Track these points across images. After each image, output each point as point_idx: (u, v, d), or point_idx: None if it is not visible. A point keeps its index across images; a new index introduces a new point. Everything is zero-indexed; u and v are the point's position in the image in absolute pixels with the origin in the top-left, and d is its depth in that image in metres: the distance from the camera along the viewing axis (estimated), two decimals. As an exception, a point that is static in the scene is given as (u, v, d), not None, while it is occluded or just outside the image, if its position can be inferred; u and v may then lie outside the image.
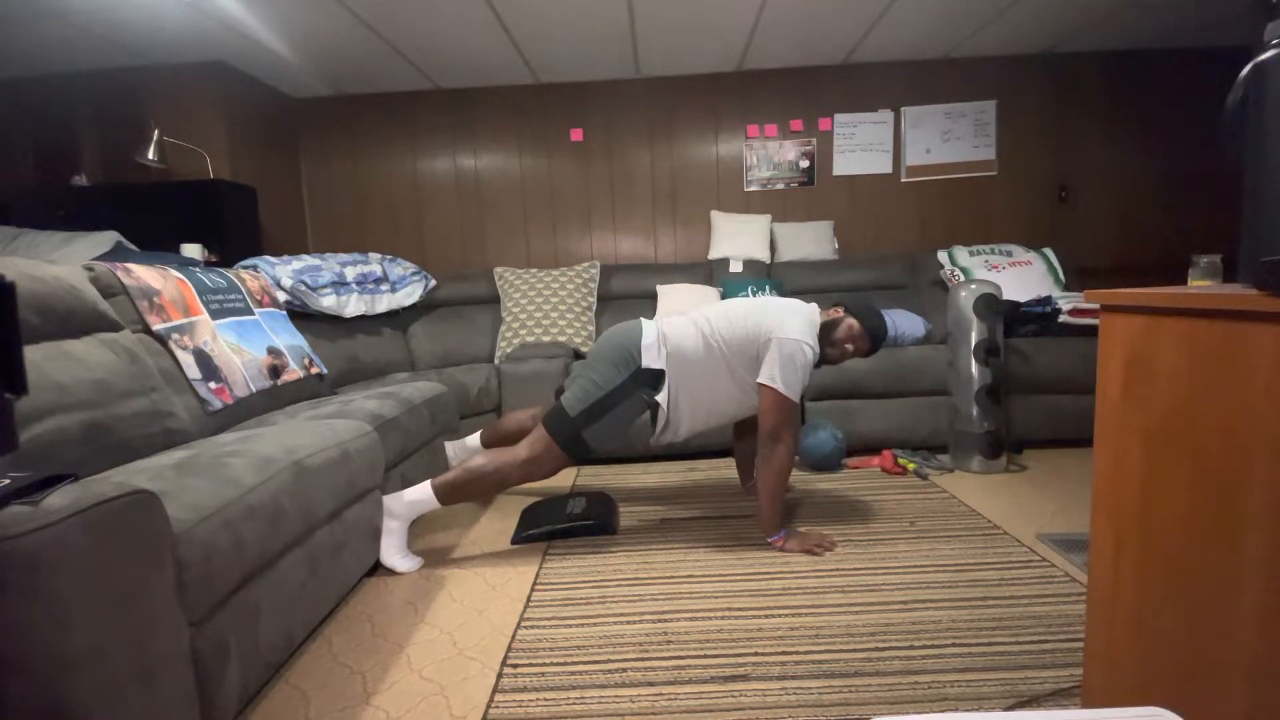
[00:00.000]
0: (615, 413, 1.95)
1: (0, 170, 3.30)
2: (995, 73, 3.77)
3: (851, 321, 1.97)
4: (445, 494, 1.92)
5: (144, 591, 0.94)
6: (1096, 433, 0.97)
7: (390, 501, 1.88)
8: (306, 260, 2.77)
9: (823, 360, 1.99)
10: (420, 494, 1.91)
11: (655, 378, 1.95)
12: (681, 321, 2.02)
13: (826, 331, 1.97)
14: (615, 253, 3.96)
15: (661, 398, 1.96)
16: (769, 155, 3.88)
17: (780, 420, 1.87)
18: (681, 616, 1.56)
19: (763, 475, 1.89)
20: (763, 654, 1.38)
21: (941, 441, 2.78)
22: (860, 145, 3.86)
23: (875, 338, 1.99)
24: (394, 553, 1.87)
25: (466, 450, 2.49)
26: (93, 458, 1.33)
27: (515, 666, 1.38)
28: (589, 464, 2.90)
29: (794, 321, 1.90)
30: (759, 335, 1.91)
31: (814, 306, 2.01)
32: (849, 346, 1.98)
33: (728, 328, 1.94)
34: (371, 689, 1.33)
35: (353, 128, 3.88)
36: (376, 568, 1.91)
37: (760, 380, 1.89)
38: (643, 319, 2.07)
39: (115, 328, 1.60)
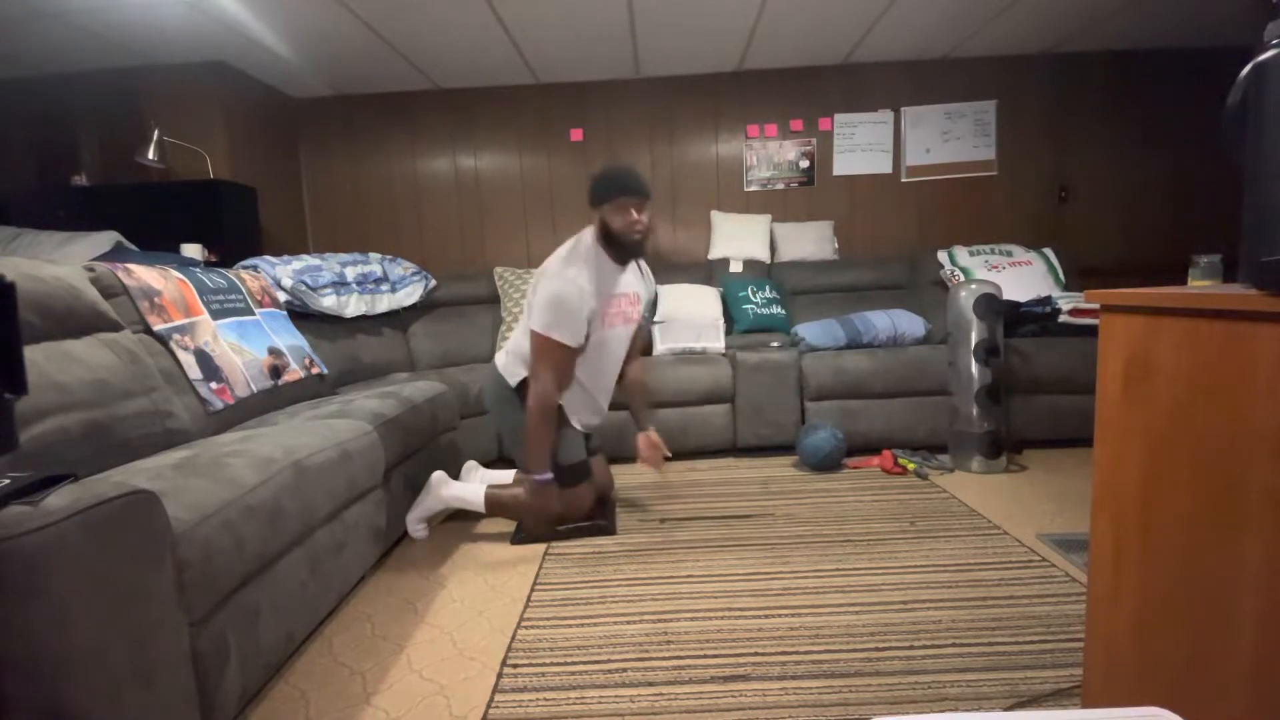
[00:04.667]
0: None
1: (0, 170, 3.30)
2: (995, 73, 3.76)
3: (598, 220, 1.98)
4: (491, 507, 2.08)
5: (144, 591, 0.94)
6: (1096, 433, 0.97)
7: (440, 485, 2.08)
8: (307, 260, 2.77)
9: (625, 250, 1.98)
10: (474, 496, 2.07)
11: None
12: (516, 331, 2.12)
13: (605, 233, 1.97)
14: (615, 253, 3.95)
15: None
16: (769, 155, 3.88)
17: (537, 357, 1.92)
18: (681, 616, 1.56)
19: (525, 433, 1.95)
20: (763, 654, 1.38)
21: (941, 441, 2.78)
22: (860, 145, 3.86)
23: (598, 193, 1.95)
24: (416, 519, 2.09)
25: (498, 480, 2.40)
26: (93, 458, 1.33)
27: (515, 666, 1.38)
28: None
29: (551, 265, 1.97)
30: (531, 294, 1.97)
31: (585, 232, 2.03)
32: (618, 219, 1.94)
33: (529, 308, 1.99)
34: (371, 689, 1.33)
35: (353, 128, 3.88)
36: (377, 568, 1.91)
37: (530, 326, 1.94)
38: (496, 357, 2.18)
39: (115, 328, 1.60)
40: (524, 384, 2.01)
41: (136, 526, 0.94)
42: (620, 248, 1.98)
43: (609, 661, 1.39)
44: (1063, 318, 2.88)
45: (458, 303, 3.56)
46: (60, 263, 1.59)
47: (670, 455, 2.26)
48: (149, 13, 2.68)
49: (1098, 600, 0.98)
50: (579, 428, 2.14)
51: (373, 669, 1.40)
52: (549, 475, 1.94)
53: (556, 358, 1.92)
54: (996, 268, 3.34)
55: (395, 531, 2.00)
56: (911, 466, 2.59)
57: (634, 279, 2.13)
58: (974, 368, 2.55)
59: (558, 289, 1.89)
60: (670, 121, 3.86)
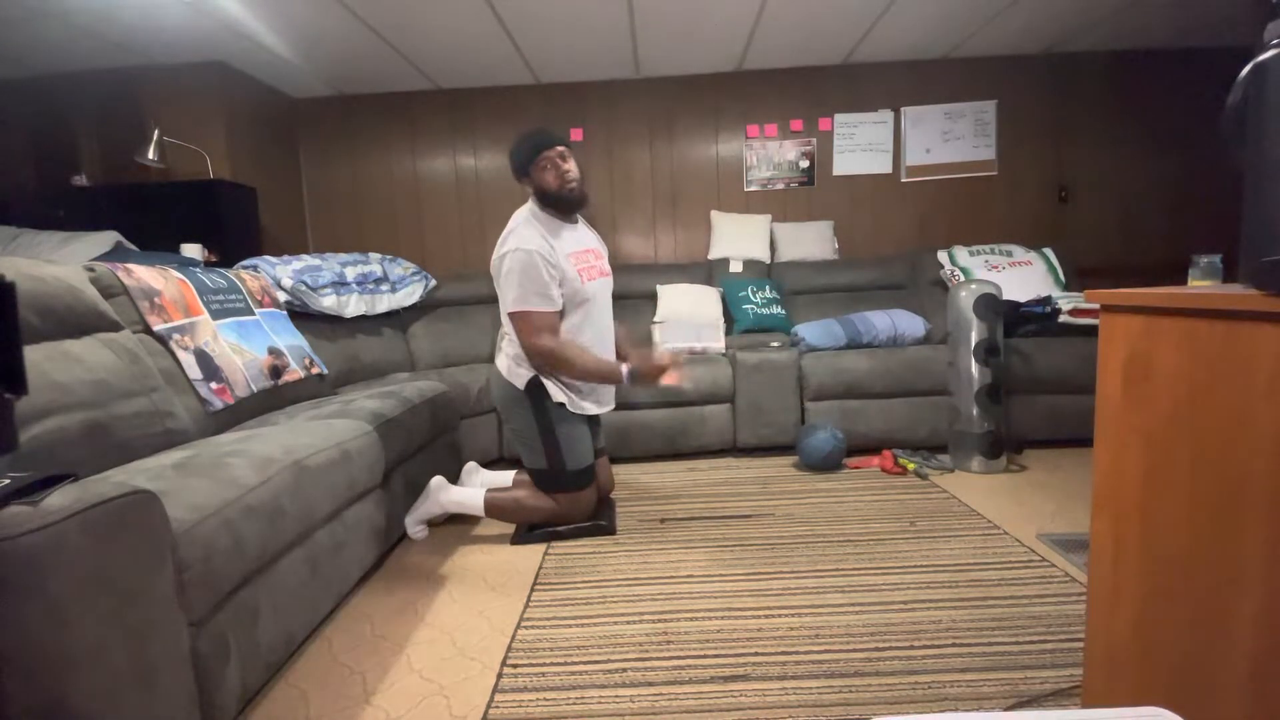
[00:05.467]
0: (561, 432, 2.02)
1: (0, 170, 3.30)
2: (995, 73, 3.76)
3: (531, 190, 2.02)
4: (491, 512, 2.08)
5: (144, 591, 0.94)
6: (1096, 433, 0.97)
7: (439, 490, 2.07)
8: (307, 260, 2.77)
9: (568, 203, 2.00)
10: (473, 500, 2.06)
11: (538, 386, 2.01)
12: (508, 333, 2.07)
13: (542, 197, 2.00)
14: (615, 253, 3.94)
15: (560, 398, 2.02)
16: (769, 155, 3.87)
17: (530, 338, 1.90)
18: (681, 616, 1.56)
19: (580, 377, 1.99)
20: (763, 654, 1.38)
21: (941, 441, 2.78)
22: (860, 145, 3.86)
23: (519, 162, 2.00)
24: (414, 520, 2.08)
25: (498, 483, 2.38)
26: (93, 458, 1.33)
27: (515, 666, 1.38)
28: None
29: (496, 251, 1.96)
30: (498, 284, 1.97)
31: (518, 211, 2.04)
32: (549, 178, 1.97)
33: (501, 301, 1.99)
34: (371, 689, 1.33)
35: (353, 128, 3.88)
36: (377, 568, 1.91)
37: (506, 313, 1.95)
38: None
39: (115, 328, 1.60)
40: (531, 384, 2.01)
41: (136, 526, 0.94)
42: (562, 203, 2.00)
43: (609, 661, 1.39)
44: (1063, 318, 2.88)
45: (458, 303, 3.56)
46: (60, 263, 1.59)
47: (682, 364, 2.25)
48: (149, 13, 2.68)
49: (1098, 600, 0.98)
50: (596, 409, 2.13)
51: (373, 669, 1.40)
52: (626, 367, 1.94)
53: (543, 324, 1.92)
54: (996, 268, 3.34)
55: (395, 532, 2.00)
56: (911, 466, 2.59)
57: (590, 236, 2.18)
58: (974, 368, 2.55)
59: (511, 262, 1.90)
60: (670, 121, 3.86)
